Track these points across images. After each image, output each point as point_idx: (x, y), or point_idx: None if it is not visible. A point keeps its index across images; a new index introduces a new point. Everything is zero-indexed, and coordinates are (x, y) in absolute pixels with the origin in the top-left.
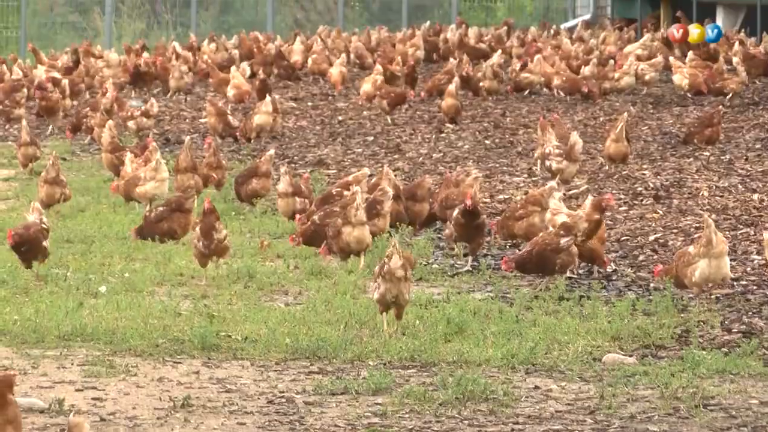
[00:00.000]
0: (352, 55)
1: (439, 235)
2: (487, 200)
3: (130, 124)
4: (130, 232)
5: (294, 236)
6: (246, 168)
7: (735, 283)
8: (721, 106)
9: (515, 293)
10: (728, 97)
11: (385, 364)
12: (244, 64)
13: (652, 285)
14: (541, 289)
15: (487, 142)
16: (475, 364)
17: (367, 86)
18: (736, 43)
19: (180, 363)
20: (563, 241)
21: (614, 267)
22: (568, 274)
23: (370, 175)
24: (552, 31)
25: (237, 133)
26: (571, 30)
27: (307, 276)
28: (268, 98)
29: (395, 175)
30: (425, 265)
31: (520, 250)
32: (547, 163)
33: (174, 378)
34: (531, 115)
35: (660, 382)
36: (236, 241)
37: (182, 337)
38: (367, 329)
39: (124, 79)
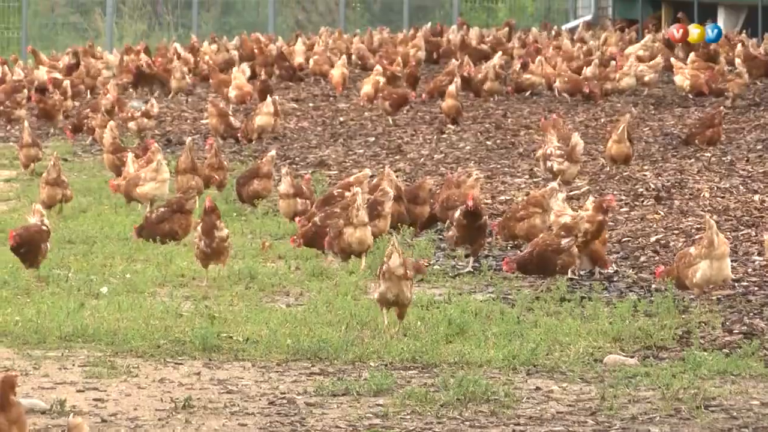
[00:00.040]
0: (353, 56)
1: (440, 236)
2: (489, 201)
3: (131, 125)
4: (132, 233)
5: (295, 237)
6: (247, 169)
7: (736, 284)
8: (722, 107)
9: (516, 294)
10: (730, 98)
11: (386, 365)
12: (244, 65)
13: (653, 286)
14: (542, 290)
15: (488, 143)
16: (476, 365)
17: (367, 87)
18: (739, 45)
19: (181, 364)
20: (564, 242)
21: (615, 268)
22: (569, 275)
23: (372, 176)
24: (553, 32)
25: (238, 134)
26: (572, 31)
27: (308, 277)
28: (269, 99)
29: (396, 176)
30: (426, 266)
31: (521, 251)
32: (548, 164)
33: (175, 379)
34: (532, 116)
35: (661, 383)
36: (238, 242)
37: (183, 338)
38: (368, 330)
39: (126, 80)
